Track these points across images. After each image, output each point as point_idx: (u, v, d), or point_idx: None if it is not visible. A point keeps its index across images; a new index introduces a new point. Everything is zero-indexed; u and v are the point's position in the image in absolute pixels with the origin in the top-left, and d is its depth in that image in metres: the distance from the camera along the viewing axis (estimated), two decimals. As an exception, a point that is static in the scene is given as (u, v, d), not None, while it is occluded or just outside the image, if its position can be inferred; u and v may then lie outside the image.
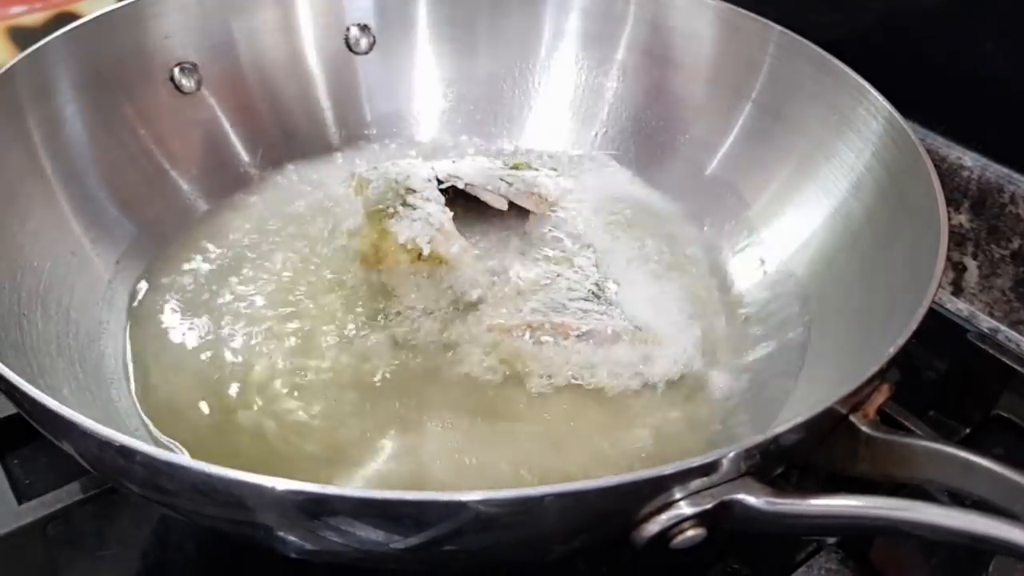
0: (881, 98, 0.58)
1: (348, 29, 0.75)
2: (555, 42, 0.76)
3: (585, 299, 0.57)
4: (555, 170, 0.69)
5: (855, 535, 0.51)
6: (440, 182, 0.64)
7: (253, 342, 0.56)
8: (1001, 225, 0.65)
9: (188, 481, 0.35)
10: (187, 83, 0.68)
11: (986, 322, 0.68)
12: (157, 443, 0.50)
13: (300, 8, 0.73)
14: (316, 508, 0.35)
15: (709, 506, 0.37)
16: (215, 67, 0.69)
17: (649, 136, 0.73)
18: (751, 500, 0.37)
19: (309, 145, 0.73)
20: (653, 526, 0.37)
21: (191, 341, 0.56)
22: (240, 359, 0.55)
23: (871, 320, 0.51)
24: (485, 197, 0.64)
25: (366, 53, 0.75)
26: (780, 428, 0.38)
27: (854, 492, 0.38)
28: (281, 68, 0.73)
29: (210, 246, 0.63)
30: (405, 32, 0.76)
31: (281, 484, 0.33)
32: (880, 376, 0.41)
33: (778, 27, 0.66)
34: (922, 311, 0.43)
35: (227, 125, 0.70)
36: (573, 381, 0.54)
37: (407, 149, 0.75)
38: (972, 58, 0.65)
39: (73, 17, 0.74)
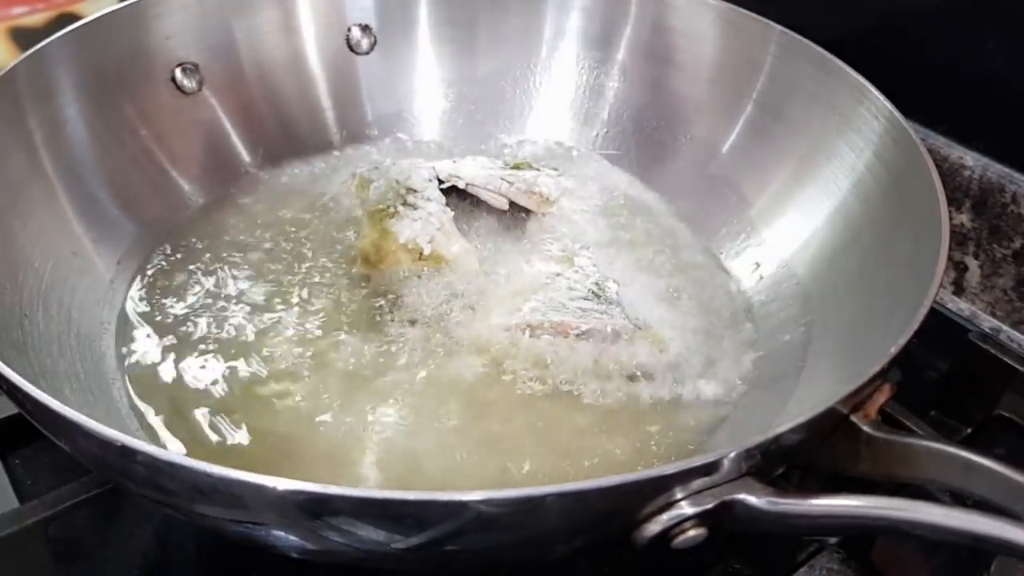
0: (882, 98, 0.58)
1: (349, 29, 0.75)
2: (556, 42, 0.76)
3: (585, 298, 0.57)
4: (556, 170, 0.69)
5: (856, 535, 0.50)
6: (441, 182, 0.64)
7: (253, 341, 0.56)
8: (1002, 225, 0.65)
9: (189, 481, 0.35)
10: (188, 83, 0.68)
11: (988, 322, 0.68)
12: (158, 443, 0.50)
13: (301, 8, 0.73)
14: (317, 508, 0.35)
15: (710, 506, 0.37)
16: (216, 67, 0.69)
17: (650, 136, 0.73)
18: (752, 500, 0.37)
19: (310, 145, 0.73)
20: (654, 526, 0.37)
21: (191, 341, 0.56)
22: (240, 358, 0.55)
23: (872, 320, 0.51)
24: (486, 197, 0.64)
25: (367, 53, 0.75)
26: (781, 428, 0.38)
27: (855, 492, 0.38)
28: (282, 68, 0.73)
29: (210, 246, 0.63)
30: (406, 32, 0.76)
31: (282, 484, 0.33)
32: (881, 376, 0.41)
33: (779, 27, 0.66)
34: (923, 311, 0.43)
35: (228, 125, 0.70)
36: (574, 380, 0.54)
37: (408, 149, 0.75)
38: (973, 58, 0.65)
39: (75, 18, 0.74)
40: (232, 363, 0.55)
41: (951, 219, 0.50)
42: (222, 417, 0.52)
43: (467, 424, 0.52)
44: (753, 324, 0.60)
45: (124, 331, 0.57)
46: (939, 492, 0.46)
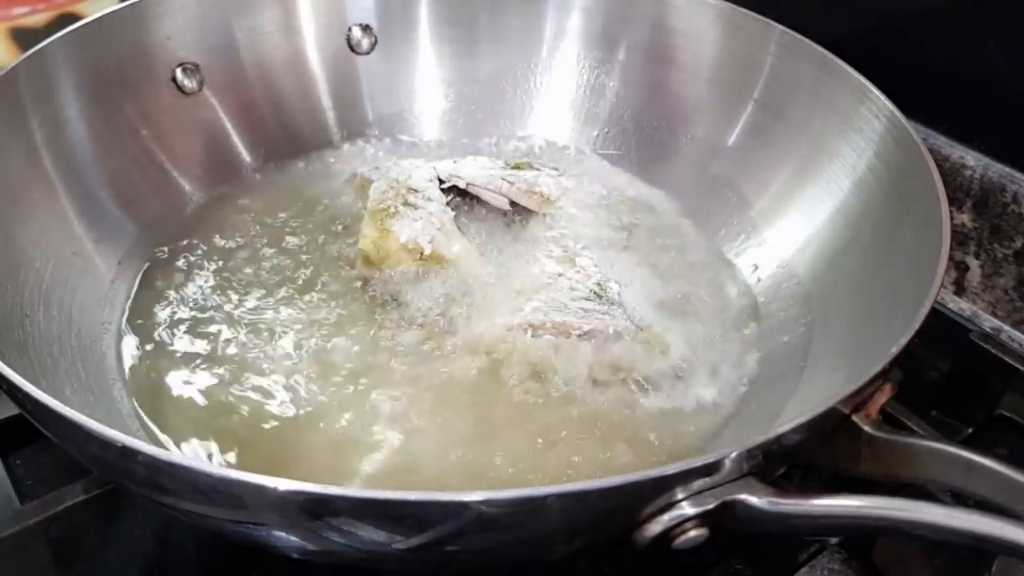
0: (883, 98, 0.58)
1: (350, 29, 0.75)
2: (556, 42, 0.76)
3: (587, 299, 0.57)
4: (556, 169, 0.69)
5: (858, 535, 0.50)
6: (441, 182, 0.64)
7: (252, 342, 0.56)
8: (1003, 224, 0.65)
9: (189, 481, 0.35)
10: (189, 84, 0.68)
11: (989, 322, 0.68)
12: (158, 443, 0.50)
13: (302, 8, 0.73)
14: (318, 508, 0.35)
15: (711, 506, 0.37)
16: (217, 68, 0.69)
17: (650, 136, 0.73)
18: (753, 500, 0.37)
19: (311, 145, 0.73)
20: (655, 526, 0.37)
21: (191, 340, 0.56)
22: (240, 358, 0.55)
23: (873, 320, 0.51)
24: (486, 196, 0.64)
25: (368, 53, 0.75)
26: (782, 428, 0.38)
27: (856, 492, 0.38)
28: (283, 68, 0.73)
29: (211, 246, 0.63)
30: (407, 32, 0.76)
31: (283, 484, 0.33)
32: (882, 376, 0.41)
33: (780, 27, 0.66)
34: (924, 311, 0.43)
35: (229, 125, 0.70)
36: (575, 382, 0.54)
37: (409, 149, 0.75)
38: (974, 57, 0.65)
39: (75, 18, 0.74)
40: (233, 363, 0.54)
41: (952, 219, 0.50)
42: (223, 417, 0.52)
43: (468, 425, 0.52)
44: (754, 324, 0.60)
45: (125, 331, 0.57)
46: (940, 492, 0.46)
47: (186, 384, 0.53)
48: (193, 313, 0.58)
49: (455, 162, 0.66)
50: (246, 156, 0.71)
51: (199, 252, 0.63)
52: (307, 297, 0.59)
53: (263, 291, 0.60)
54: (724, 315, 0.61)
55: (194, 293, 0.59)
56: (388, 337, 0.56)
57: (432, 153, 0.74)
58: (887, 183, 0.56)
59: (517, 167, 0.67)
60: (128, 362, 0.55)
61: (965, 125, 0.66)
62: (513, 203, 0.65)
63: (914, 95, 0.58)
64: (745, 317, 0.61)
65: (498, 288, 0.59)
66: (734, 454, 0.36)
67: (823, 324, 0.56)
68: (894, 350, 0.41)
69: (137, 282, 0.60)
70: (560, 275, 0.59)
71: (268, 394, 0.53)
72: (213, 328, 0.57)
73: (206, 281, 0.60)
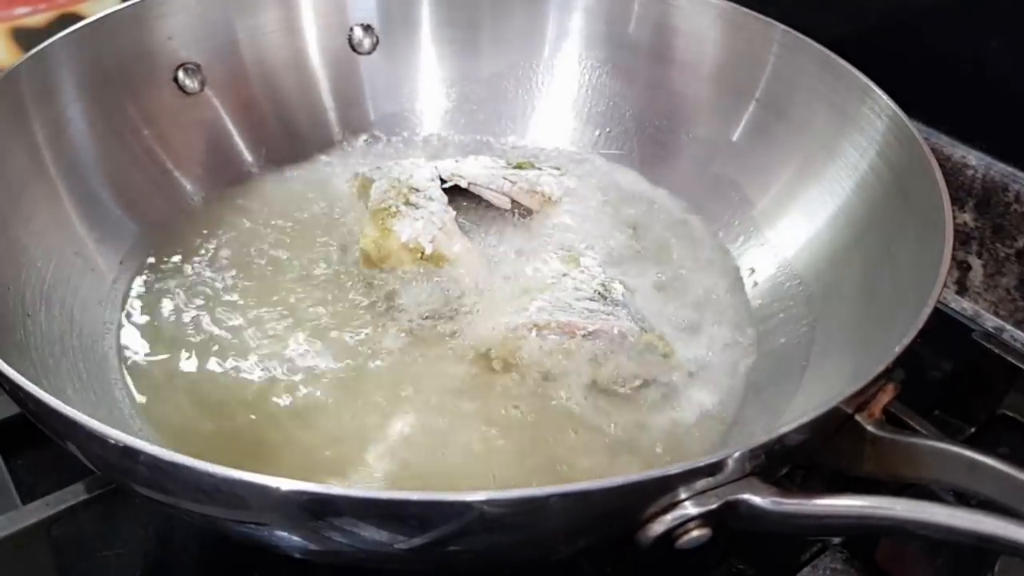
0: (885, 97, 0.58)
1: (351, 29, 0.75)
2: (558, 42, 0.76)
3: (591, 299, 0.56)
4: (558, 169, 0.69)
5: (860, 535, 0.50)
6: (443, 181, 0.64)
7: (254, 341, 0.56)
8: (1006, 224, 0.65)
9: (191, 481, 0.35)
10: (191, 84, 0.68)
11: (991, 321, 0.68)
12: (160, 443, 0.50)
13: (303, 8, 0.73)
14: (320, 508, 0.35)
15: (714, 506, 0.37)
16: (219, 68, 0.69)
17: (652, 135, 0.73)
18: (756, 500, 0.37)
19: (312, 145, 0.73)
20: (658, 526, 0.37)
21: (193, 340, 0.56)
22: (241, 359, 0.55)
23: (876, 320, 0.51)
24: (488, 196, 0.64)
25: (369, 53, 0.75)
26: (785, 428, 0.38)
27: (859, 492, 0.38)
28: (284, 68, 0.73)
29: (213, 246, 0.63)
30: (408, 32, 0.76)
31: (285, 484, 0.33)
32: (885, 376, 0.41)
33: (782, 26, 0.66)
34: (927, 310, 0.43)
35: (230, 125, 0.70)
36: (578, 382, 0.54)
37: (410, 149, 0.75)
38: (976, 57, 0.65)
39: (77, 18, 0.74)
40: (234, 363, 0.54)
41: (954, 218, 0.50)
42: (223, 417, 0.52)
43: (469, 425, 0.52)
44: (756, 324, 0.60)
45: (126, 331, 0.57)
46: (943, 492, 0.46)
47: (187, 383, 0.53)
48: (195, 313, 0.58)
49: (457, 162, 0.66)
50: (247, 156, 0.71)
51: (201, 252, 0.63)
52: (309, 297, 0.59)
53: (265, 291, 0.60)
54: (727, 315, 0.61)
55: (195, 293, 0.59)
56: (389, 337, 0.56)
57: (434, 153, 0.74)
58: (889, 183, 0.56)
59: (519, 167, 0.67)
60: (130, 362, 0.55)
61: (967, 124, 0.66)
62: (515, 203, 0.65)
63: (916, 94, 0.58)
64: (747, 317, 0.61)
65: (501, 288, 0.59)
66: (737, 454, 0.36)
67: (825, 323, 0.56)
68: (897, 350, 0.41)
69: (139, 282, 0.60)
70: (564, 275, 0.58)
71: (270, 394, 0.53)
72: (215, 328, 0.57)
73: (208, 281, 0.60)
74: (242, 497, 0.35)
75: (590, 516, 0.37)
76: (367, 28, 0.75)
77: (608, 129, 0.75)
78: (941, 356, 0.64)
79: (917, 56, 0.67)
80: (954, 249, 0.47)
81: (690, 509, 0.37)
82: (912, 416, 0.53)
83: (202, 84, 0.69)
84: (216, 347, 0.56)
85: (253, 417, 0.51)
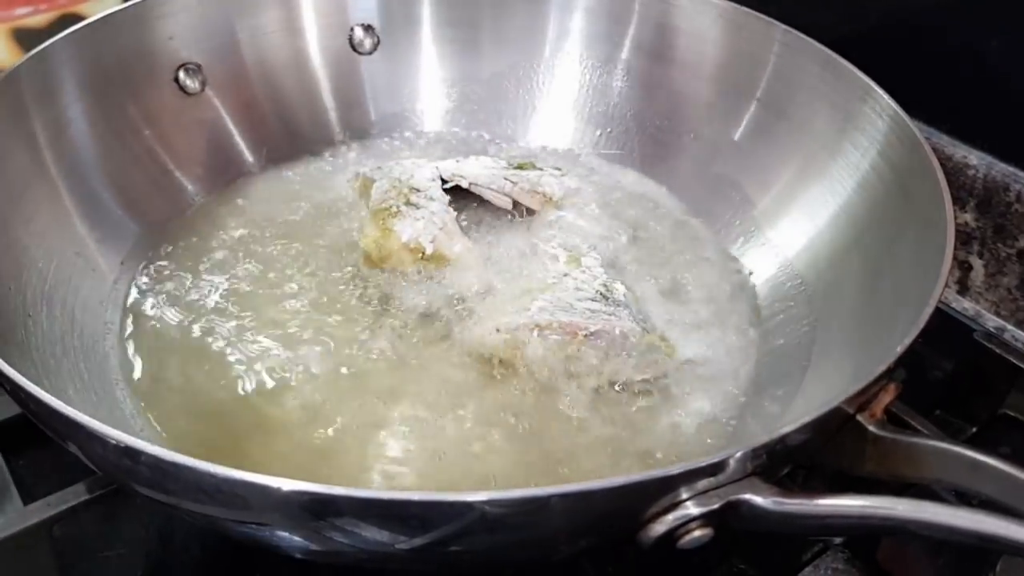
0: (887, 97, 0.58)
1: (352, 29, 0.75)
2: (559, 42, 0.76)
3: (593, 299, 0.56)
4: (559, 169, 0.69)
5: (862, 535, 0.50)
6: (444, 181, 0.64)
7: (255, 341, 0.56)
8: (1007, 224, 0.65)
9: (193, 481, 0.35)
10: (191, 84, 0.68)
11: (992, 321, 0.68)
12: (162, 443, 0.50)
13: (304, 9, 0.73)
14: (321, 508, 0.35)
15: (716, 506, 0.37)
16: (219, 68, 0.69)
17: (653, 135, 0.73)
18: (758, 500, 0.37)
19: (313, 145, 0.73)
20: (660, 526, 0.37)
21: (194, 340, 0.56)
22: (241, 357, 0.55)
23: (877, 319, 0.51)
24: (489, 196, 0.64)
25: (370, 53, 0.75)
26: (787, 428, 0.38)
27: (861, 492, 0.38)
28: (285, 68, 0.73)
29: (213, 246, 0.63)
30: (409, 32, 0.76)
31: (286, 484, 0.33)
32: (887, 376, 0.41)
33: (783, 26, 0.66)
34: (929, 310, 0.43)
35: (231, 125, 0.70)
36: (579, 382, 0.54)
37: (411, 149, 0.75)
38: (977, 56, 0.65)
39: (78, 18, 0.74)
40: (234, 364, 0.54)
41: (955, 218, 0.50)
42: (224, 417, 0.52)
43: (470, 426, 0.52)
44: (758, 324, 0.60)
45: (127, 331, 0.57)
46: (945, 492, 0.46)
47: (188, 384, 0.53)
48: (196, 313, 0.58)
49: (458, 162, 0.66)
50: (248, 156, 0.71)
51: (201, 252, 0.63)
52: (309, 297, 0.59)
53: (265, 291, 0.60)
54: (728, 315, 0.61)
55: (196, 293, 0.59)
56: (390, 337, 0.56)
57: (435, 153, 0.74)
58: (891, 182, 0.56)
59: (520, 167, 0.67)
60: (131, 362, 0.55)
61: (968, 124, 0.66)
62: (516, 203, 0.65)
63: (917, 94, 0.58)
64: (748, 317, 0.61)
65: (502, 288, 0.59)
66: (738, 454, 0.36)
67: (827, 323, 0.56)
68: (899, 350, 0.41)
69: (140, 282, 0.60)
70: (565, 275, 0.58)
71: (271, 394, 0.53)
72: (215, 328, 0.57)
73: (208, 281, 0.60)
74: (243, 497, 0.35)
75: (591, 516, 0.37)
76: (368, 28, 0.75)
77: (609, 129, 0.75)
78: (942, 356, 0.64)
79: (918, 56, 0.67)
80: (955, 249, 0.47)
81: (692, 509, 0.37)
82: (913, 416, 0.53)
83: (203, 84, 0.69)
84: (216, 347, 0.56)
85: (254, 417, 0.51)
